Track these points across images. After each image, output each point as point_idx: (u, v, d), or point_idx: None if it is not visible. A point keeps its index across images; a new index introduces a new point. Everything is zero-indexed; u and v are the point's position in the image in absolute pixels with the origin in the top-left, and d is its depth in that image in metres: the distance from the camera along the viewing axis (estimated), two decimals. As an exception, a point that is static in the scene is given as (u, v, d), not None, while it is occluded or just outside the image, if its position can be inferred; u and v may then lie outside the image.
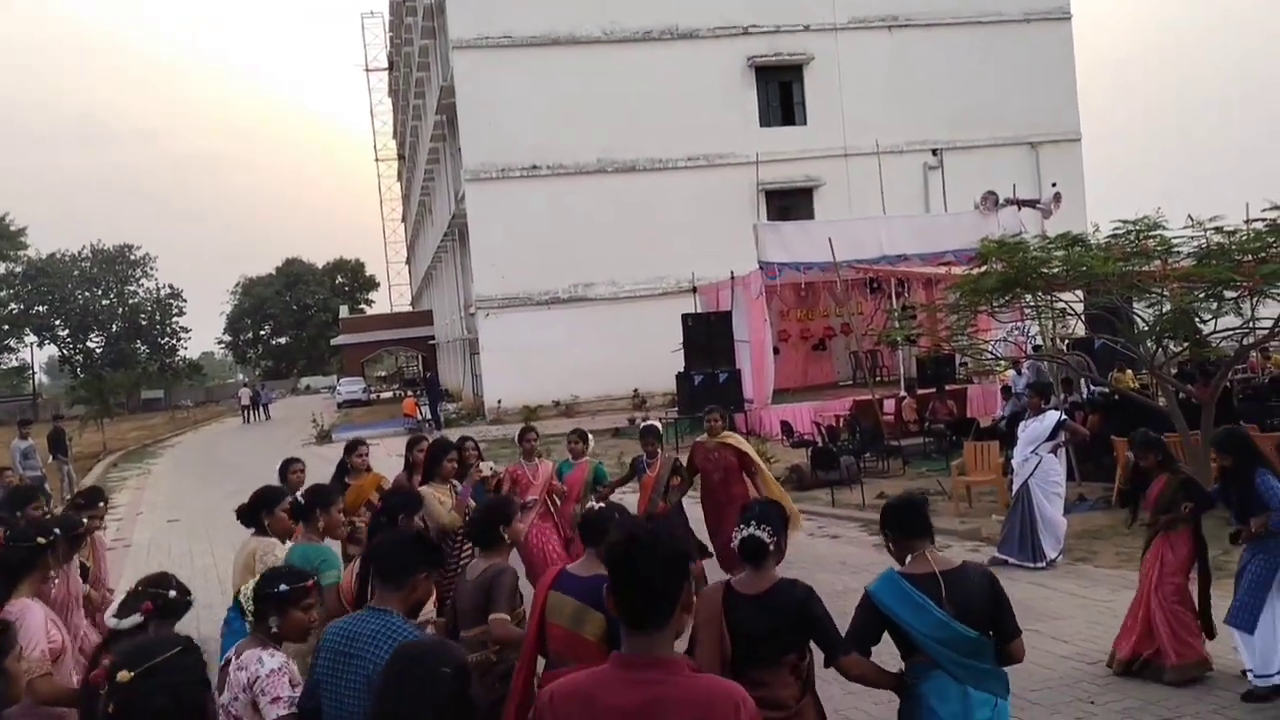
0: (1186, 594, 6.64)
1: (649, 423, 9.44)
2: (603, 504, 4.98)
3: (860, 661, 3.88)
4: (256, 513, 5.72)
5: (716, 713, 2.38)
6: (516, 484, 8.39)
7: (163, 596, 3.99)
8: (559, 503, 8.68)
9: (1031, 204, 23.95)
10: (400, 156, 67.04)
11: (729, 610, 3.86)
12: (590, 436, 9.36)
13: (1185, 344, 12.63)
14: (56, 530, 4.60)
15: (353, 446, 8.14)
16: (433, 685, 2.58)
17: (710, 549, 9.05)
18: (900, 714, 3.99)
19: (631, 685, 2.44)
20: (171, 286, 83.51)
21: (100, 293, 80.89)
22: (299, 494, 5.88)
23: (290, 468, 7.64)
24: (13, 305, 76.06)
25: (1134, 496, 7.45)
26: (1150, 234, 11.54)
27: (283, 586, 3.66)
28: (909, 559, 3.96)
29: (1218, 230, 11.21)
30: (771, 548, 3.91)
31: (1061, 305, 13.59)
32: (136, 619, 3.85)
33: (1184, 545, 6.69)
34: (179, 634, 3.08)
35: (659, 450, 9.08)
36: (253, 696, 3.43)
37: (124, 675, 2.38)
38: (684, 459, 9.41)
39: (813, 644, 3.89)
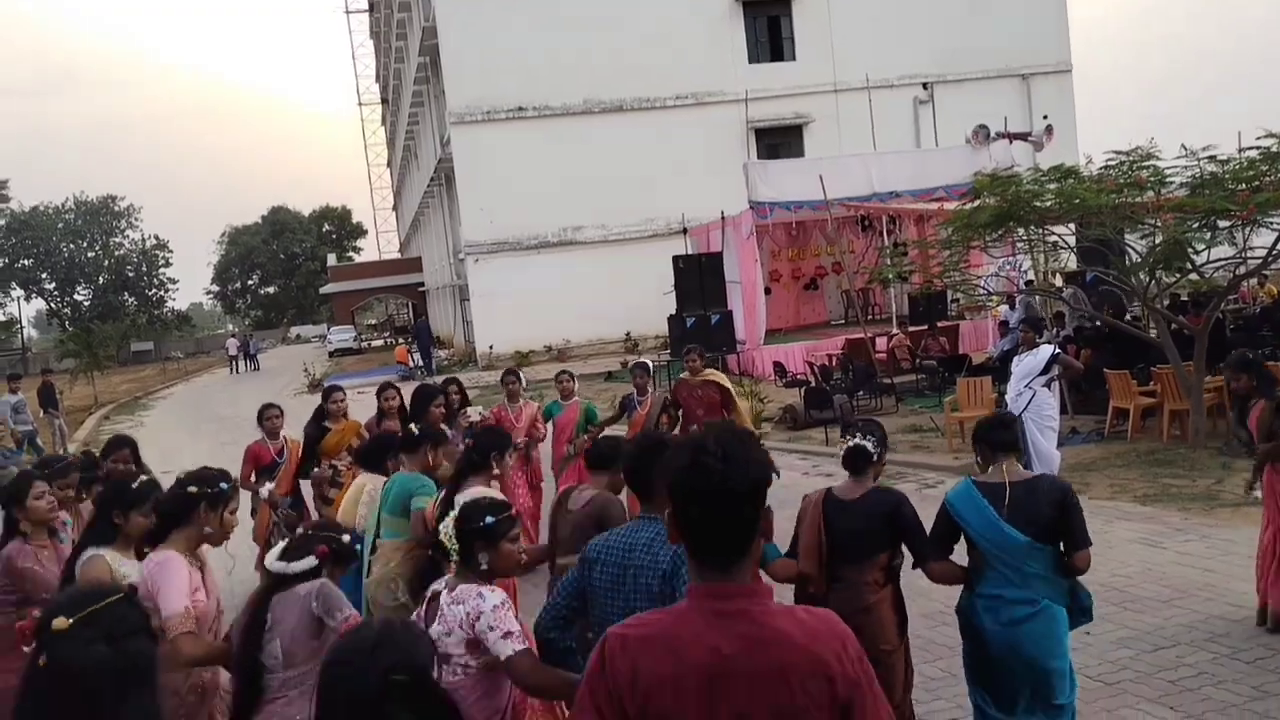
0: None
1: (640, 360, 9.41)
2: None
3: (943, 565, 4.38)
4: (383, 455, 6.09)
5: (820, 653, 2.06)
6: (499, 423, 8.37)
7: (338, 541, 3.81)
8: (532, 449, 8.73)
9: (1023, 137, 23.77)
10: (384, 101, 66.14)
11: (827, 515, 4.40)
12: (575, 376, 9.37)
13: (1178, 275, 12.58)
14: (223, 483, 4.07)
15: (329, 393, 8.27)
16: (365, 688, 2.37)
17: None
18: (958, 609, 4.44)
19: (719, 626, 2.08)
20: (157, 237, 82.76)
21: (85, 245, 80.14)
22: (413, 427, 6.19)
23: (266, 413, 8.13)
24: (-2, 259, 75.49)
25: (1243, 426, 6.72)
26: (1143, 165, 11.43)
27: (489, 519, 3.50)
28: (990, 469, 4.39)
29: (1211, 159, 11.11)
30: (875, 458, 4.46)
31: (1054, 239, 13.52)
32: (310, 562, 3.63)
33: None
34: (118, 584, 2.86)
35: (649, 387, 9.05)
36: (472, 633, 3.28)
37: (60, 622, 2.15)
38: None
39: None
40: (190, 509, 3.92)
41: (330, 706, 2.41)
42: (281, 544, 3.75)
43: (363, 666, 2.37)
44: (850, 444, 4.46)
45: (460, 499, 4.76)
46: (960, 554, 4.43)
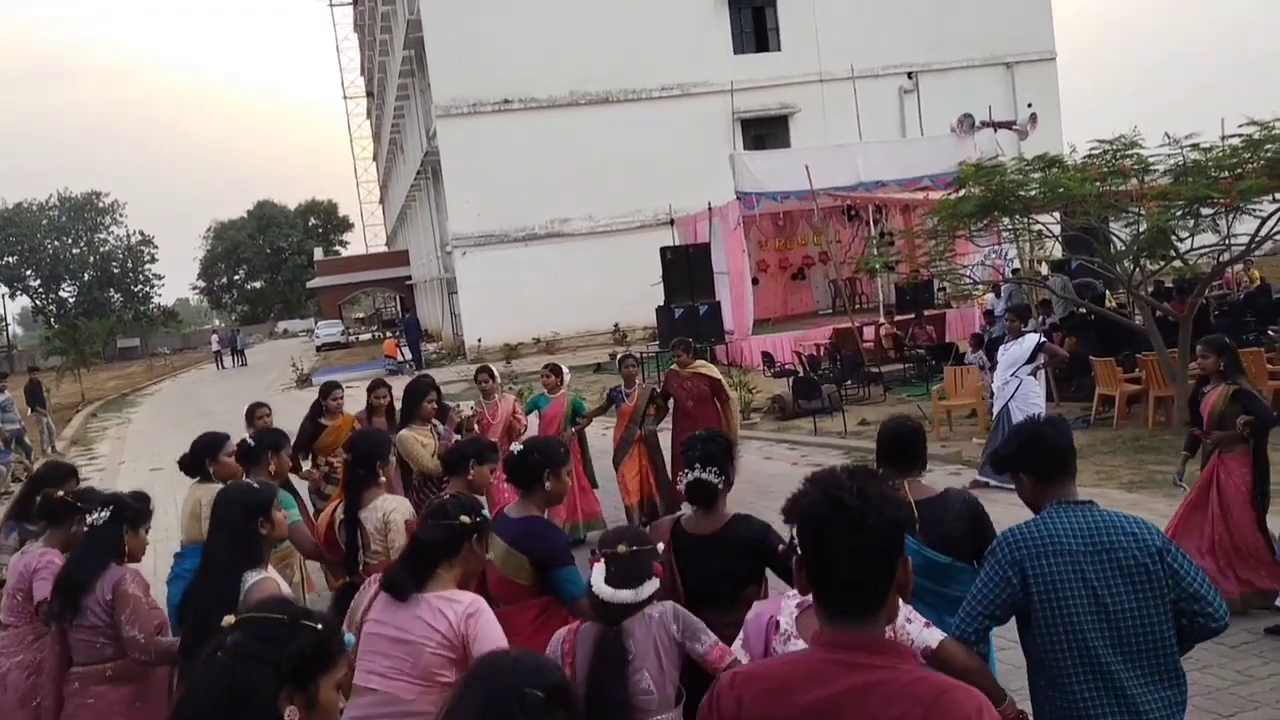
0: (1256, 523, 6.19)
1: (627, 352, 9.45)
2: (523, 445, 4.59)
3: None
4: (200, 461, 5.59)
5: (946, 711, 1.86)
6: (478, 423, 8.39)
7: (657, 555, 3.47)
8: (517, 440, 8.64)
9: (1008, 125, 23.87)
10: (369, 94, 65.85)
11: (678, 553, 3.74)
12: (565, 369, 9.35)
13: (1162, 262, 12.67)
14: (485, 511, 3.62)
15: (328, 389, 8.21)
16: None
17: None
18: None
19: (838, 671, 1.94)
20: (142, 233, 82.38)
21: (70, 241, 79.74)
22: (247, 437, 5.83)
23: (257, 412, 7.72)
24: (-19, 257, 75.04)
25: (1193, 406, 6.74)
26: (1127, 153, 11.51)
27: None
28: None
29: (1194, 147, 11.19)
30: (720, 487, 3.84)
31: (1039, 227, 13.60)
32: (655, 584, 3.33)
33: (1241, 469, 6.18)
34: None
35: (637, 378, 9.09)
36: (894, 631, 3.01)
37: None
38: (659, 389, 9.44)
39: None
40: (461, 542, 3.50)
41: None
42: (601, 567, 3.27)
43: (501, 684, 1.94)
44: (689, 479, 3.84)
45: (371, 512, 4.65)
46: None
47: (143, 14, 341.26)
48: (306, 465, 7.95)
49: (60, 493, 4.68)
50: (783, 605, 3.13)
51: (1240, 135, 10.89)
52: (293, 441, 7.75)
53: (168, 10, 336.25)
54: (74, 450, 21.31)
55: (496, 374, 9.01)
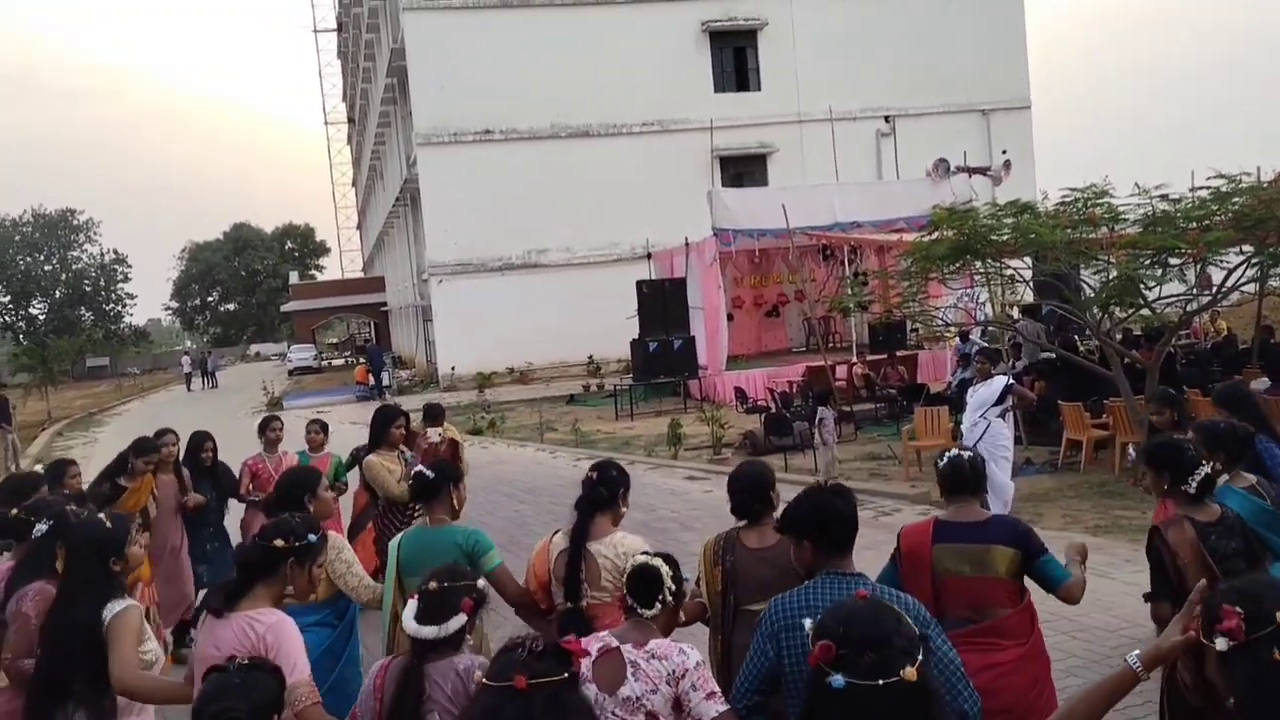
0: None
1: (434, 403, 9.22)
2: None
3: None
4: (299, 499, 4.97)
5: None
6: (256, 478, 8.02)
7: (475, 590, 3.35)
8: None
9: (982, 171, 24.17)
10: (350, 120, 65.95)
11: (1201, 539, 3.90)
12: (328, 427, 8.67)
13: (1131, 310, 12.83)
14: (310, 535, 3.71)
15: (141, 449, 7.34)
16: None
17: None
18: None
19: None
20: (116, 252, 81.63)
21: (43, 258, 78.94)
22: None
23: (269, 425, 7.84)
24: (-49, 271, 74.14)
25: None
26: (1097, 202, 11.66)
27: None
28: (1224, 479, 4.25)
29: (1164, 198, 11.35)
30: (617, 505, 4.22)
31: (1011, 272, 13.75)
32: (461, 620, 3.23)
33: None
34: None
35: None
36: (676, 690, 3.07)
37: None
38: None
39: None
40: (278, 564, 3.63)
41: None
42: (413, 603, 3.30)
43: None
44: (1207, 472, 4.03)
45: (607, 546, 4.25)
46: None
47: (121, 33, 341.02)
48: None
49: (15, 511, 4.69)
50: (588, 647, 3.11)
51: (1208, 188, 11.08)
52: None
53: (147, 31, 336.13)
54: (38, 468, 21.00)
55: (283, 423, 8.54)
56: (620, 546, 4.16)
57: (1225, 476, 4.33)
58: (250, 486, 7.98)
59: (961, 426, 10.43)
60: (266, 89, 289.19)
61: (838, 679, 2.09)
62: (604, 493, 4.31)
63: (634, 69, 32.29)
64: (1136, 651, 2.40)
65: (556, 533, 4.45)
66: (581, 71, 31.91)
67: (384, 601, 4.64)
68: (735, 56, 34.34)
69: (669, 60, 32.90)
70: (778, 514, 4.05)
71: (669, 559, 3.44)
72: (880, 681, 2.08)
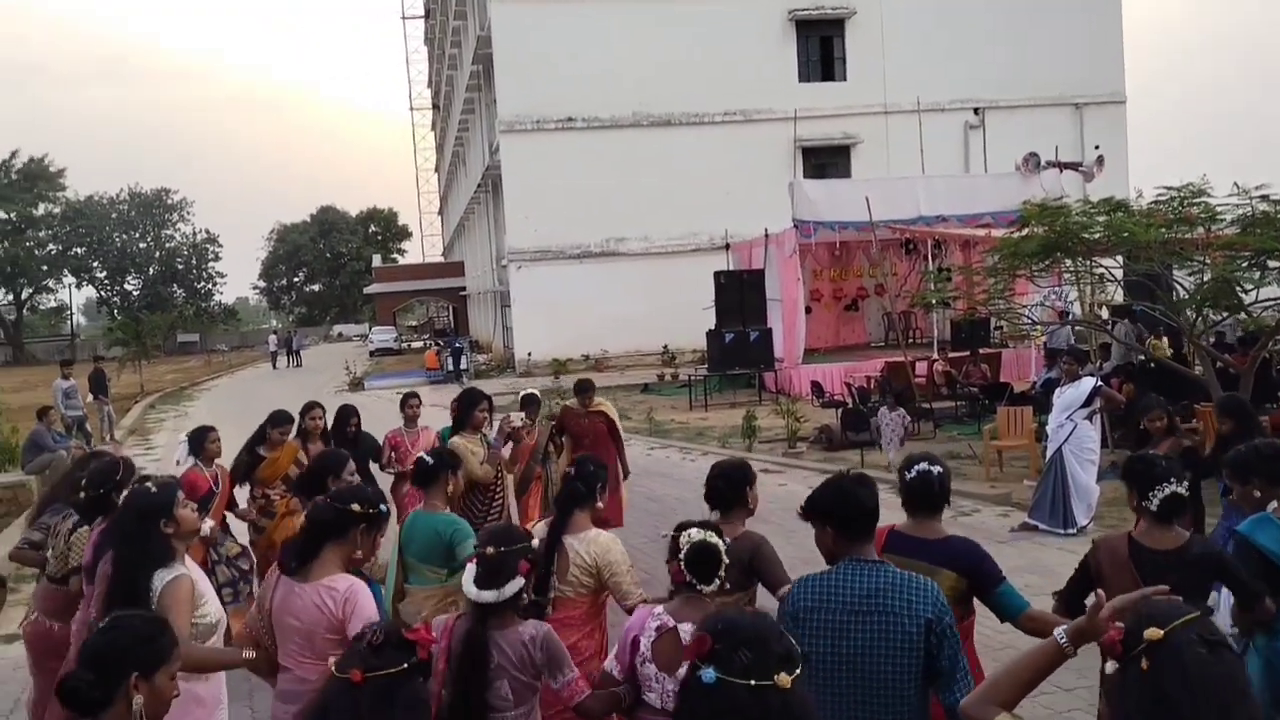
0: None
1: (529, 391, 9.43)
2: None
3: (1271, 604, 3.72)
4: (323, 481, 5.34)
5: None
6: (396, 450, 8.38)
7: (531, 550, 3.41)
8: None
9: (1074, 167, 23.64)
10: (435, 106, 66.82)
11: (1138, 565, 3.84)
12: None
13: (1225, 313, 12.46)
14: (382, 506, 3.86)
15: (277, 420, 7.64)
16: None
17: None
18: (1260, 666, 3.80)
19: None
20: (208, 231, 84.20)
21: (137, 235, 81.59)
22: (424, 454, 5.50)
23: (408, 402, 8.24)
24: (52, 246, 76.89)
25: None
26: (1194, 201, 11.35)
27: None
28: (1273, 505, 3.92)
29: (1264, 199, 11.01)
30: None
31: (1101, 270, 13.44)
32: (519, 583, 3.28)
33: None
34: None
35: (537, 420, 8.98)
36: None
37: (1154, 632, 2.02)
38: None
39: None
40: (349, 527, 3.73)
41: None
42: (471, 568, 3.34)
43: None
44: (1167, 493, 3.91)
45: (584, 543, 4.35)
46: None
47: (213, 18, 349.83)
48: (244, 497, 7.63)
49: (82, 495, 4.89)
50: (646, 625, 3.26)
51: (1313, 188, 10.71)
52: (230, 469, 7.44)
53: (239, 17, 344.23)
54: (131, 440, 21.76)
55: (421, 400, 8.95)
56: (593, 545, 4.27)
57: (1275, 505, 3.95)
58: (391, 458, 8.36)
59: (1046, 428, 10.24)
60: (355, 75, 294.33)
61: (709, 673, 2.08)
62: (581, 488, 4.43)
63: (718, 58, 32.15)
64: (1064, 626, 2.39)
65: (538, 522, 4.61)
66: (665, 60, 31.86)
67: (388, 577, 4.91)
68: (821, 46, 33.98)
69: (754, 49, 32.67)
70: (752, 512, 4.31)
71: (718, 529, 3.49)
72: (752, 682, 2.07)
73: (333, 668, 2.45)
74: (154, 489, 4.00)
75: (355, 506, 3.72)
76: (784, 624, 3.13)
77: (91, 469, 5.17)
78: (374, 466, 8.20)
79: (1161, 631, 1.99)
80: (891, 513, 3.91)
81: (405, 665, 2.43)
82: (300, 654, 3.63)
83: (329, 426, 8.14)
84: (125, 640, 2.55)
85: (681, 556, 3.36)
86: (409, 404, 8.74)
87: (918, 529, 3.95)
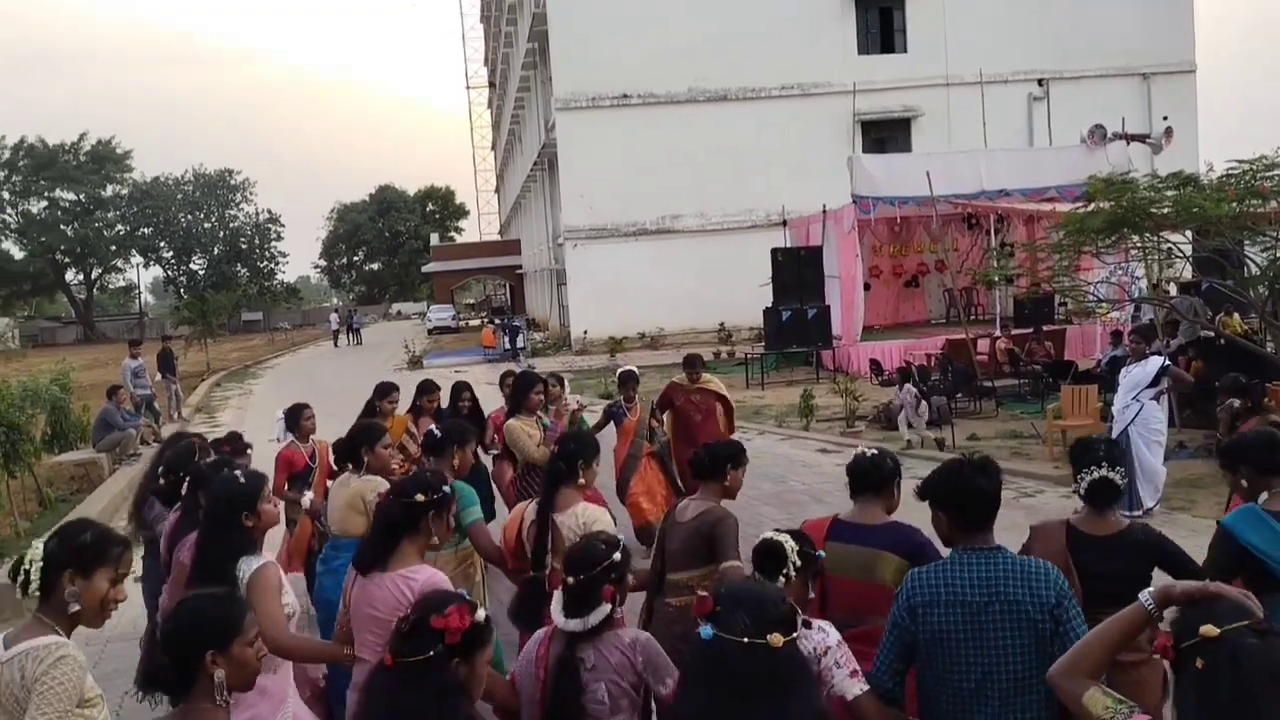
0: None
1: (627, 368, 9.37)
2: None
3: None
4: (356, 450, 5.43)
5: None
6: (499, 431, 8.07)
7: (615, 570, 3.33)
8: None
9: (1141, 139, 23.06)
10: (491, 84, 67.04)
11: (1075, 551, 3.81)
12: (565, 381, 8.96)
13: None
14: (445, 487, 3.88)
15: (384, 390, 7.83)
16: None
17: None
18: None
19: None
20: (270, 211, 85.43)
21: (202, 216, 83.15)
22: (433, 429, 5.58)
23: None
24: (120, 227, 78.78)
25: None
26: (1267, 174, 11.02)
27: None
28: (1264, 496, 3.84)
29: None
30: (1122, 489, 3.93)
31: (1169, 246, 13.13)
32: (605, 611, 3.23)
33: None
34: None
35: (636, 396, 8.98)
36: (819, 668, 3.03)
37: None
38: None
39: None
40: (419, 518, 3.76)
41: None
42: (559, 596, 3.31)
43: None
44: (1094, 476, 3.88)
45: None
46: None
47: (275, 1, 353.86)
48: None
49: (162, 481, 5.10)
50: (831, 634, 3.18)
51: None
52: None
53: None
54: (198, 417, 22.24)
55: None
56: (581, 517, 4.39)
57: (1265, 496, 3.84)
58: (495, 438, 8.25)
59: (1112, 408, 10.04)
60: (412, 54, 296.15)
61: (707, 629, 2.19)
62: (563, 467, 4.54)
63: (775, 31, 31.79)
64: (1150, 589, 2.37)
65: (531, 502, 4.73)
66: (721, 34, 31.58)
67: None
68: (881, 18, 33.44)
69: (811, 22, 32.26)
70: (730, 492, 4.43)
71: (798, 534, 3.51)
72: (745, 640, 2.17)
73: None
74: (243, 479, 4.04)
75: (420, 497, 3.75)
76: (901, 619, 3.12)
77: (168, 455, 5.28)
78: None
79: (1218, 629, 2.03)
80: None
81: (432, 653, 2.49)
82: (378, 644, 3.57)
83: (441, 405, 8.26)
84: (193, 620, 2.63)
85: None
86: (505, 384, 8.60)
87: (860, 515, 3.91)
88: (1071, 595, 3.05)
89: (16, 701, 2.75)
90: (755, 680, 2.13)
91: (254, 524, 3.92)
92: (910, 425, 13.49)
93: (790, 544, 3.39)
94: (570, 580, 3.26)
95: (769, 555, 3.40)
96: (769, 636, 2.18)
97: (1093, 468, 3.90)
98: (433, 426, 5.41)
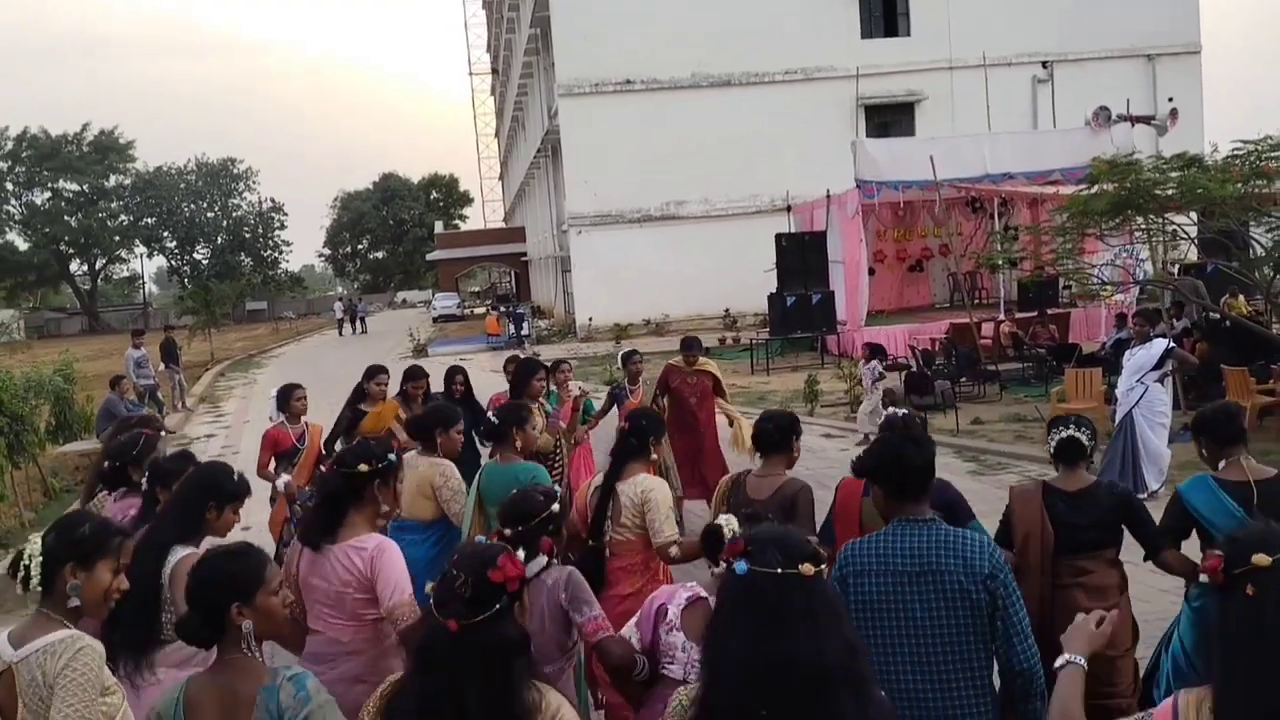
0: None
1: (630, 349, 9.35)
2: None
3: (1178, 556, 4.19)
4: (430, 433, 5.35)
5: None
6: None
7: (557, 521, 3.51)
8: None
9: (1146, 120, 22.94)
10: (494, 71, 66.87)
11: (1049, 505, 4.31)
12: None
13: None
14: (390, 456, 3.86)
15: (372, 373, 7.80)
16: None
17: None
18: (1188, 616, 4.11)
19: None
20: (273, 200, 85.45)
21: (205, 205, 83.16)
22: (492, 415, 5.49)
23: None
24: (123, 217, 78.83)
25: None
26: (1273, 155, 10.96)
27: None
28: (1222, 464, 4.21)
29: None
30: (1090, 449, 4.43)
31: (1174, 228, 13.08)
32: (541, 562, 3.35)
33: None
34: None
35: (642, 375, 9.01)
36: None
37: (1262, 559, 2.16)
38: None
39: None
40: (364, 487, 3.76)
41: None
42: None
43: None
44: (1062, 435, 4.42)
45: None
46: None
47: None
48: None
49: (105, 464, 5.13)
50: (675, 595, 3.36)
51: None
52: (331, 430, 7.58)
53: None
54: (202, 407, 22.29)
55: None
56: (639, 486, 4.52)
57: (1223, 464, 4.22)
58: None
59: (1116, 391, 10.02)
60: (415, 41, 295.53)
61: (741, 564, 2.27)
62: (634, 443, 4.64)
63: (778, 15, 31.62)
64: (1064, 655, 2.51)
65: (596, 476, 4.90)
66: (724, 19, 31.43)
67: (464, 527, 5.03)
68: (884, 1, 33.28)
69: (814, 6, 32.10)
70: (793, 462, 4.56)
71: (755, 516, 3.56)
72: (779, 570, 2.24)
73: (431, 603, 2.49)
74: (236, 479, 4.03)
75: (363, 467, 3.75)
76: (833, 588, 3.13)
77: (112, 444, 5.31)
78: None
79: (1269, 559, 2.11)
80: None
81: (498, 605, 2.47)
82: (331, 616, 3.65)
83: (429, 389, 8.19)
84: (214, 575, 2.70)
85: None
86: (510, 369, 8.39)
87: None
88: (1007, 569, 3.09)
89: (41, 700, 2.74)
90: (790, 609, 2.22)
91: (212, 519, 3.90)
92: (870, 411, 12.64)
93: (732, 525, 3.41)
94: (507, 532, 3.35)
95: (713, 539, 3.42)
96: (800, 566, 2.27)
97: (1061, 428, 4.45)
98: (491, 413, 5.46)
